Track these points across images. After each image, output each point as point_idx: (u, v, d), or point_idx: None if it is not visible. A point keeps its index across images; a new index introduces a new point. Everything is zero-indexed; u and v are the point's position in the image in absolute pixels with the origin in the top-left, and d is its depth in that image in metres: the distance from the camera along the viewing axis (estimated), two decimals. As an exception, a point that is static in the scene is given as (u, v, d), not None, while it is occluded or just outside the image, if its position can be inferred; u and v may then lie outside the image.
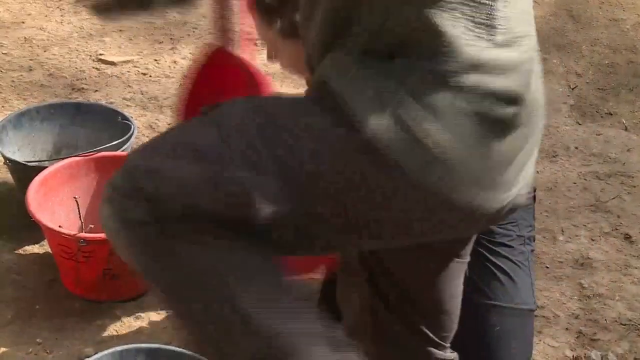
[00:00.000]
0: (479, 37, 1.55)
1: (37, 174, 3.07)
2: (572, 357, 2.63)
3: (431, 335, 2.18)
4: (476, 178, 1.57)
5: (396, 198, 1.54)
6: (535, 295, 2.78)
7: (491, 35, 1.57)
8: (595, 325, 3.03)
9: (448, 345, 2.24)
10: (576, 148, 4.05)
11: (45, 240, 3.14)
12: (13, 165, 3.30)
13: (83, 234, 2.96)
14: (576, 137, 4.13)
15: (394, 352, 2.19)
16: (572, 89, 4.55)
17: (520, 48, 1.65)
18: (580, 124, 4.26)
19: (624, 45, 4.91)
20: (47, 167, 3.14)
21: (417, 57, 1.53)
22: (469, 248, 2.12)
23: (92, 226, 3.07)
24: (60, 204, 3.12)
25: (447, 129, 1.51)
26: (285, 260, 1.59)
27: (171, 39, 4.70)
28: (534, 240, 2.83)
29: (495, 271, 2.67)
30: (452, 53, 1.51)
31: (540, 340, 2.92)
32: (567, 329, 3.02)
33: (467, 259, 2.16)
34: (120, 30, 4.73)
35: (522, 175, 1.68)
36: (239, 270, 1.49)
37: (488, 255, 2.67)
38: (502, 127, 1.58)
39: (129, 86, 4.28)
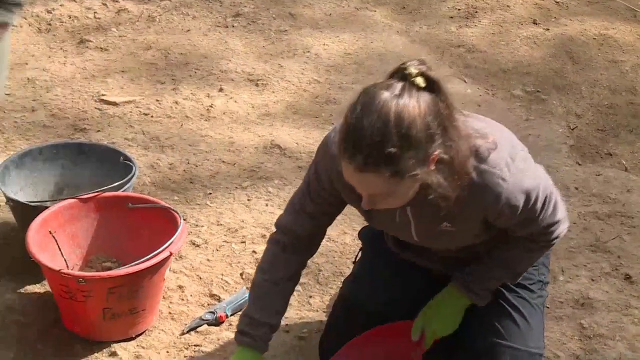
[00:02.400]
0: None
1: (38, 214, 3.08)
2: (572, 398, 2.62)
3: None
4: None
5: None
6: (545, 340, 2.79)
7: None
8: (596, 366, 3.03)
9: None
10: (576, 188, 4.06)
11: (46, 280, 3.15)
12: (15, 205, 3.31)
13: (82, 273, 2.97)
14: (576, 178, 4.15)
15: None
16: (572, 129, 4.57)
17: None
18: (580, 165, 4.27)
19: (624, 86, 4.94)
20: (48, 207, 3.15)
21: None
22: None
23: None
24: (61, 244, 3.13)
25: None
26: None
27: (173, 79, 4.73)
28: (547, 286, 2.85)
29: (512, 312, 2.69)
30: None
31: (541, 381, 2.91)
32: (568, 369, 3.02)
33: None
34: (123, 71, 4.76)
35: None
36: None
37: (507, 295, 2.69)
38: None
39: (131, 126, 4.31)
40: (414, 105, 2.17)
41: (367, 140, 2.17)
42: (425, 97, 2.19)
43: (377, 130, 2.16)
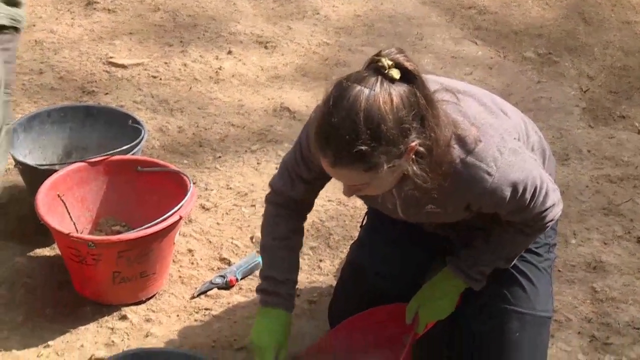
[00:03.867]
0: None
1: (47, 177, 3.07)
2: (585, 361, 2.62)
3: None
4: None
5: None
6: (554, 303, 2.79)
7: None
8: (608, 329, 3.01)
9: None
10: (588, 151, 4.03)
11: (56, 243, 3.14)
12: (24, 168, 3.30)
13: (92, 237, 2.96)
14: (588, 140, 4.12)
15: None
16: (584, 92, 4.53)
17: None
18: (592, 127, 4.24)
19: (637, 47, 4.90)
20: (57, 170, 3.14)
21: None
22: None
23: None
24: (70, 207, 3.12)
25: None
26: None
27: (181, 41, 4.70)
28: (555, 247, 2.83)
29: (519, 277, 2.68)
30: None
31: (552, 344, 2.90)
32: (579, 332, 3.00)
33: None
34: (131, 33, 4.73)
35: None
36: None
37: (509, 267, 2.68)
38: None
39: (139, 89, 4.28)
40: (385, 99, 2.13)
41: (338, 138, 2.14)
42: (399, 89, 2.15)
43: (347, 127, 2.12)
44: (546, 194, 2.43)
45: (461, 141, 2.30)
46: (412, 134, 2.18)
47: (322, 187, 2.66)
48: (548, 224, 2.51)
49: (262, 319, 2.64)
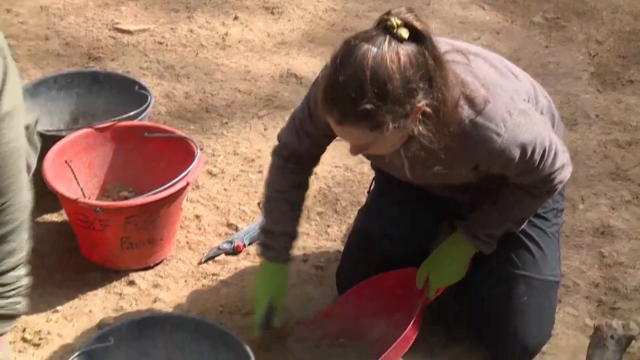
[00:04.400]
0: None
1: (54, 143, 3.06)
2: (592, 326, 2.60)
3: None
4: None
5: None
6: (561, 267, 2.79)
7: None
8: (615, 294, 3.01)
9: None
10: (597, 116, 4.01)
11: (64, 209, 3.15)
12: (31, 135, 3.29)
13: (100, 203, 2.96)
14: (597, 105, 4.10)
15: None
16: (593, 56, 4.50)
17: None
18: (600, 92, 4.22)
19: (646, 12, 4.87)
20: (64, 136, 3.13)
21: None
22: None
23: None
24: (77, 173, 3.11)
25: None
26: None
27: (187, 7, 4.68)
28: (563, 212, 2.83)
29: (527, 241, 2.68)
30: None
31: (560, 309, 2.90)
32: (587, 297, 3.00)
33: None
34: (137, -1, 4.72)
35: None
36: None
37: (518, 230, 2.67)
38: None
39: (146, 55, 4.27)
40: (392, 58, 2.12)
41: (344, 96, 2.15)
42: (408, 49, 2.14)
43: (354, 86, 2.13)
44: (555, 155, 2.42)
45: (470, 102, 2.30)
46: (419, 94, 2.17)
47: (328, 144, 2.66)
48: (557, 186, 2.50)
49: (260, 271, 2.73)
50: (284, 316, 2.73)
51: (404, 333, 2.54)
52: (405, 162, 2.46)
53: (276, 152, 2.72)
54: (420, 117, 2.21)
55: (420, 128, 2.22)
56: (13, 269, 2.27)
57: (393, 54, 2.12)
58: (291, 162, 2.69)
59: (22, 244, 2.26)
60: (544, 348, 2.74)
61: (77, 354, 2.27)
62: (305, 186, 2.76)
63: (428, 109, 2.21)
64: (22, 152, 2.21)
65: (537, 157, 2.38)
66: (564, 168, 2.48)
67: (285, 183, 2.70)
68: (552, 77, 4.29)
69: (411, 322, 2.56)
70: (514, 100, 2.37)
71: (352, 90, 2.13)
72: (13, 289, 2.27)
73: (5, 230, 2.20)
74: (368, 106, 2.12)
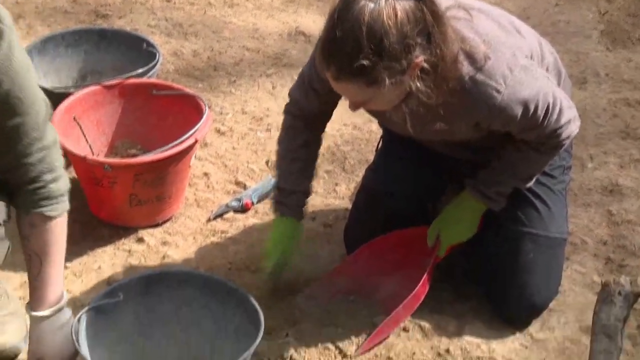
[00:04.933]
0: None
1: (62, 101, 3.06)
2: (599, 283, 2.61)
3: None
4: None
5: None
6: (569, 225, 2.79)
7: None
8: (623, 252, 3.01)
9: None
10: (606, 75, 3.99)
11: (72, 166, 3.15)
12: (39, 92, 3.29)
13: (108, 160, 2.97)
14: (607, 64, 4.07)
15: None
16: (603, 14, 4.47)
17: None
18: (610, 50, 4.19)
19: (657, -31, 4.82)
20: (72, 93, 3.13)
21: None
22: None
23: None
24: (86, 131, 3.12)
25: None
26: None
27: (195, -35, 4.66)
28: (570, 170, 2.83)
29: (533, 199, 2.68)
30: None
31: (567, 267, 2.90)
32: (595, 255, 3.00)
33: None
34: (144, -43, 4.69)
35: None
36: None
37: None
38: None
39: (154, 13, 4.25)
40: (389, 14, 2.11)
41: (340, 52, 2.14)
42: (405, 4, 2.13)
43: (350, 41, 2.12)
44: (560, 111, 2.40)
45: (470, 58, 2.28)
46: (416, 50, 2.16)
47: (336, 100, 2.65)
48: (564, 142, 2.49)
49: (273, 228, 2.76)
50: (293, 273, 2.75)
51: (414, 291, 2.55)
52: (406, 118, 2.46)
53: (287, 110, 2.74)
54: (418, 73, 2.20)
55: (418, 84, 2.22)
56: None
57: (390, 10, 2.11)
58: (301, 119, 2.70)
59: None
60: (551, 305, 2.75)
61: (86, 309, 2.28)
62: (316, 144, 2.77)
63: (426, 65, 2.20)
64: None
65: (540, 113, 2.37)
66: (570, 123, 2.46)
67: (296, 141, 2.72)
68: (561, 36, 4.26)
69: (422, 280, 2.57)
70: (516, 56, 2.35)
71: (349, 45, 2.12)
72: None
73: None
74: (364, 62, 2.12)
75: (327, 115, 2.75)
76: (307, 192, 2.75)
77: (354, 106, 2.32)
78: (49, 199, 2.21)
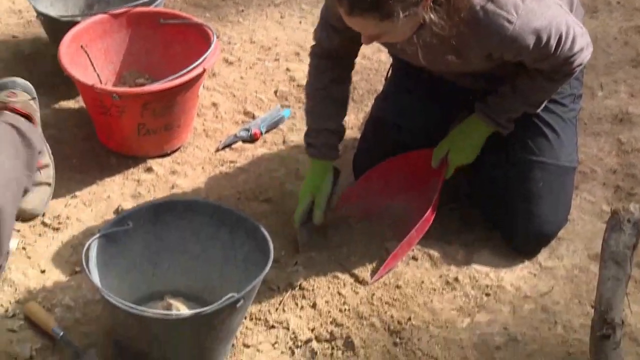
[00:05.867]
0: None
1: (69, 29, 3.04)
2: (609, 212, 2.60)
3: None
4: None
5: None
6: (578, 153, 2.78)
7: None
8: (633, 180, 3.00)
9: None
10: (618, 2, 3.95)
11: (80, 96, 3.14)
12: (46, 20, 3.27)
13: (116, 89, 2.96)
14: (618, -8, 4.03)
15: None
16: (615, -59, 4.41)
17: None
18: (622, -22, 4.15)
19: None
20: (79, 22, 3.11)
21: None
22: None
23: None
24: (93, 59, 3.10)
25: None
26: None
27: None
28: (581, 98, 2.81)
29: (544, 128, 2.67)
30: None
31: (577, 196, 2.90)
32: (604, 184, 2.99)
33: None
34: None
35: None
36: None
37: (539, 111, 2.66)
38: None
39: (160, -59, 4.20)
40: None
41: None
42: None
43: None
44: (573, 39, 2.39)
45: None
46: None
47: (357, 37, 2.64)
48: (576, 69, 2.48)
49: (308, 169, 2.74)
50: (324, 213, 2.71)
51: (425, 215, 2.57)
52: (418, 49, 2.45)
53: (312, 52, 2.72)
54: (431, 4, 2.19)
55: (432, 15, 2.21)
56: None
57: None
58: (326, 59, 2.68)
59: None
60: (560, 233, 2.75)
61: (96, 236, 2.28)
62: (345, 82, 2.75)
63: None
64: None
65: (553, 42, 2.35)
66: (583, 50, 2.45)
67: (324, 79, 2.69)
68: (573, -36, 4.20)
69: (432, 203, 2.58)
70: None
71: None
72: None
73: None
74: None
75: (352, 53, 2.73)
76: (337, 131, 2.72)
77: (368, 40, 2.32)
78: None
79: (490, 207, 2.77)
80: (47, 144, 2.89)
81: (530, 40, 2.32)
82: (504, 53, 2.39)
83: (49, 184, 2.81)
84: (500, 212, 2.73)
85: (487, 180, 2.74)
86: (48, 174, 2.83)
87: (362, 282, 2.58)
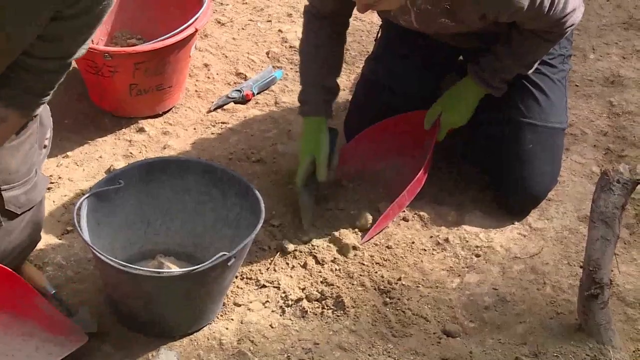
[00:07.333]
0: None
1: (61, -11, 3.03)
2: (599, 173, 2.62)
3: None
4: None
5: None
6: (568, 114, 2.79)
7: None
8: (623, 142, 3.01)
9: None
10: (610, -35, 3.95)
11: (72, 56, 3.13)
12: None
13: (108, 48, 2.95)
14: (611, -47, 4.02)
15: None
16: None
17: None
18: (615, -60, 4.13)
19: None
20: (71, -19, 3.09)
21: None
22: None
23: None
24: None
25: None
26: None
27: None
28: (570, 58, 2.82)
29: (533, 89, 2.68)
30: None
31: (567, 157, 2.91)
32: (595, 145, 3.00)
33: None
34: None
35: None
36: None
37: (529, 73, 2.66)
38: None
39: None
40: None
41: None
42: None
43: None
44: (566, 0, 2.39)
45: None
46: None
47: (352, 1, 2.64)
48: (568, 29, 2.49)
49: (303, 128, 2.72)
50: (327, 170, 2.68)
51: (417, 175, 2.57)
52: (411, 11, 2.45)
53: (306, 11, 2.72)
54: None
55: None
56: None
57: None
58: (319, 19, 2.69)
59: None
60: (550, 195, 2.77)
61: (87, 194, 2.28)
62: (339, 39, 2.74)
63: None
64: None
65: (546, 3, 2.36)
66: (575, 11, 2.45)
67: (317, 36, 2.69)
68: None
69: (424, 164, 2.59)
70: None
71: None
72: None
73: None
74: None
75: (346, 13, 2.72)
76: (331, 88, 2.71)
77: (364, 8, 2.32)
78: (30, 109, 2.17)
79: (486, 164, 2.78)
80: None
81: (525, 1, 2.32)
82: (498, 14, 2.39)
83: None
84: (493, 170, 2.75)
85: (483, 137, 2.74)
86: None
87: (352, 242, 2.59)
